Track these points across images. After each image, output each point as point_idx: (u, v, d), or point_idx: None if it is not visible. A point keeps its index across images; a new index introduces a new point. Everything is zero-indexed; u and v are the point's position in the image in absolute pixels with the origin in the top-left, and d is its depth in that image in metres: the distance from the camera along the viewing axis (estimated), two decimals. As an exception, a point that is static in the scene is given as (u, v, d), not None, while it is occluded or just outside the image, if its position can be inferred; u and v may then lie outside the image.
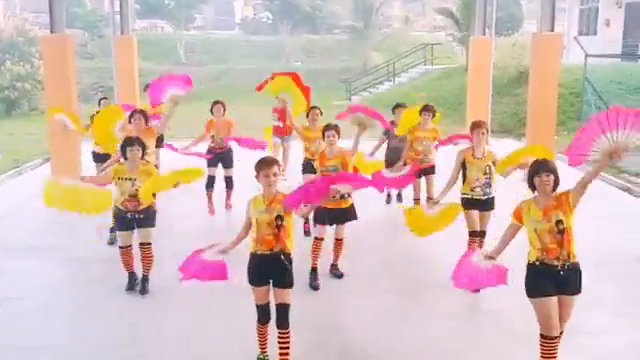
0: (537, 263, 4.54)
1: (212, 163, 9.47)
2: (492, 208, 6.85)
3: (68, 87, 11.36)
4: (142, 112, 8.17)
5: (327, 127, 6.69)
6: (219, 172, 9.54)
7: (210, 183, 9.56)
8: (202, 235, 7.48)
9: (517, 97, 18.86)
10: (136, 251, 6.57)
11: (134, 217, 6.32)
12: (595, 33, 25.14)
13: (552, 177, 4.50)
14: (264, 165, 4.77)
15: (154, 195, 6.65)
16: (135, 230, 6.45)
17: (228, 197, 9.68)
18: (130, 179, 6.24)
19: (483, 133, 6.73)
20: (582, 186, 4.49)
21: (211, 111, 9.41)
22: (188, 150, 9.15)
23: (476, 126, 6.78)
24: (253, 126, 13.92)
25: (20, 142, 16.61)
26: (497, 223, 6.55)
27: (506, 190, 6.91)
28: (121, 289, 6.59)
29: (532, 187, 4.60)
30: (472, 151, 6.74)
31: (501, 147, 13.52)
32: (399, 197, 10.05)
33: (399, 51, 29.73)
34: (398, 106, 9.33)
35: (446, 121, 17.75)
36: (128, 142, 6.27)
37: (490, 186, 6.76)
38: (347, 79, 27.15)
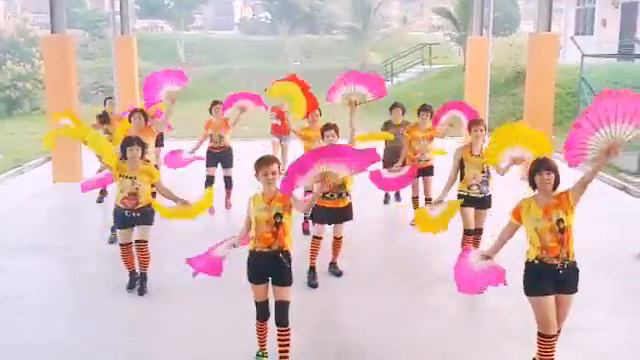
0: (536, 262, 4.54)
1: (211, 163, 9.50)
2: (489, 206, 6.90)
3: (69, 87, 11.42)
4: (141, 111, 8.23)
5: (326, 126, 6.73)
6: (218, 172, 9.56)
7: (209, 183, 9.58)
8: (202, 234, 7.51)
9: (514, 97, 18.93)
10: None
11: (131, 215, 6.35)
12: (591, 33, 25.22)
13: (553, 175, 4.51)
14: (263, 164, 4.79)
15: (153, 195, 6.70)
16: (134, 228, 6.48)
17: (228, 196, 9.70)
18: (130, 177, 6.28)
19: (481, 130, 6.78)
20: (582, 185, 4.50)
21: (210, 111, 9.45)
22: (194, 153, 9.26)
23: (474, 124, 6.84)
24: (252, 125, 14.00)
25: (21, 142, 16.63)
26: (494, 221, 6.61)
27: (504, 187, 6.98)
28: (121, 288, 6.61)
29: (533, 185, 4.61)
30: (470, 149, 6.79)
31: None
32: (397, 196, 10.08)
33: (397, 51, 29.80)
34: (395, 106, 9.36)
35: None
36: (127, 142, 6.30)
37: (487, 184, 6.81)
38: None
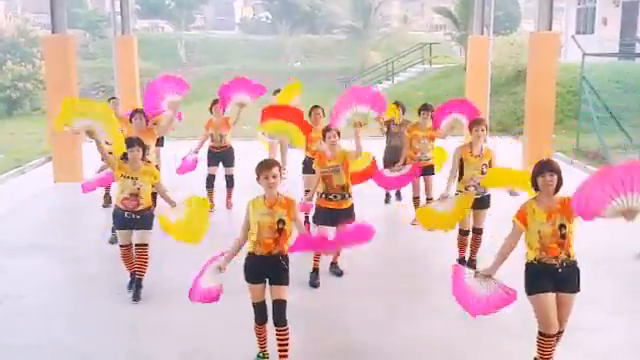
0: (535, 262, 4.55)
1: (212, 162, 9.50)
2: (487, 206, 6.89)
3: (69, 87, 11.42)
4: (142, 112, 8.22)
5: (328, 129, 6.67)
6: (220, 171, 9.56)
7: (210, 182, 9.59)
8: (204, 238, 7.50)
9: (515, 96, 18.92)
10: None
11: (131, 217, 6.30)
12: (592, 32, 25.20)
13: (556, 177, 4.49)
14: (264, 167, 4.75)
15: (154, 200, 6.69)
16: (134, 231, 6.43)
17: (229, 196, 9.69)
18: (132, 178, 6.26)
19: (482, 130, 6.76)
20: None
21: (210, 110, 9.44)
22: (197, 153, 9.27)
23: (475, 123, 6.82)
24: (253, 124, 13.94)
25: (22, 142, 16.67)
26: (494, 222, 6.62)
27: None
28: (121, 289, 6.60)
29: (535, 187, 4.60)
30: (470, 148, 6.78)
31: (500, 145, 13.58)
32: (398, 196, 10.08)
33: (398, 50, 29.78)
34: (396, 104, 9.36)
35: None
36: (128, 143, 6.27)
37: (485, 185, 6.81)
38: (346, 78, 27.22)
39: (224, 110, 9.15)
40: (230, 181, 9.65)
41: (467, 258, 7.07)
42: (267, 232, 4.76)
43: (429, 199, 8.60)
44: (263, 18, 42.81)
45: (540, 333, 4.61)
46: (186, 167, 9.31)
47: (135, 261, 6.46)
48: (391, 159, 8.92)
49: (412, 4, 44.52)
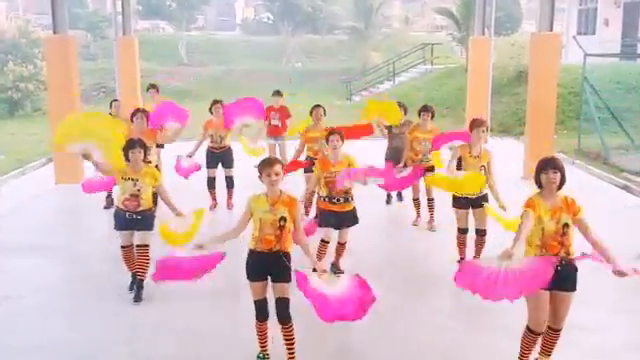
0: None
1: (212, 163, 9.48)
2: (483, 204, 6.83)
3: (71, 88, 11.44)
4: (144, 112, 8.23)
5: (331, 132, 6.64)
6: (219, 172, 9.55)
7: (211, 184, 9.59)
8: (202, 234, 7.49)
9: (516, 96, 18.91)
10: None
11: (132, 218, 6.30)
12: (594, 33, 25.18)
13: (559, 174, 4.50)
14: (267, 165, 4.79)
15: (154, 201, 6.69)
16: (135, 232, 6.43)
17: (229, 197, 9.68)
18: (132, 179, 6.25)
19: (483, 131, 6.76)
20: (586, 231, 4.53)
21: (210, 110, 9.43)
22: (192, 157, 9.22)
23: (476, 124, 6.80)
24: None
25: (23, 142, 16.68)
26: (492, 222, 6.62)
27: (503, 186, 6.95)
28: (122, 289, 6.61)
29: (538, 184, 4.59)
30: (469, 148, 6.78)
31: (501, 146, 13.60)
32: (399, 197, 10.08)
33: (399, 51, 29.77)
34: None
35: (446, 121, 17.82)
36: (129, 144, 6.26)
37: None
38: (347, 79, 27.23)
39: (227, 130, 9.38)
40: (230, 182, 9.64)
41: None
42: (269, 229, 4.79)
43: (430, 199, 8.61)
44: (264, 19, 42.81)
45: (528, 329, 4.65)
46: (190, 169, 9.22)
47: (136, 262, 6.46)
48: (393, 160, 8.92)
49: (413, 5, 44.55)
